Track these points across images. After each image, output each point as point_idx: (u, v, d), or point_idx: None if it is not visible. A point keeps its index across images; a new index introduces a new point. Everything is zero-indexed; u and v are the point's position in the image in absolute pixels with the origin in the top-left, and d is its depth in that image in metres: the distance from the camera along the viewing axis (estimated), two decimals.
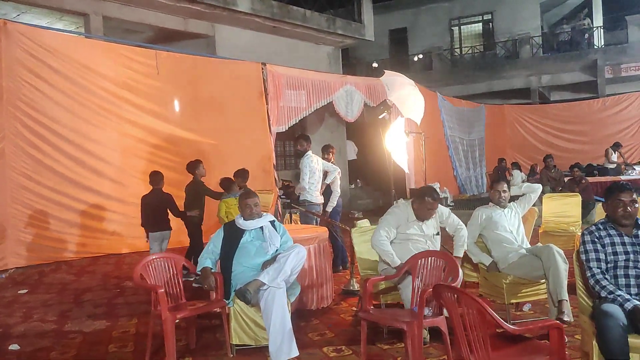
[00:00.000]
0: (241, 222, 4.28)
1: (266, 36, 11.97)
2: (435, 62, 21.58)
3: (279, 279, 3.82)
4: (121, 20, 9.97)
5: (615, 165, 13.46)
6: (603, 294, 2.97)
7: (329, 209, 6.65)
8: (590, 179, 10.38)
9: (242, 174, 7.03)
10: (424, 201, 4.28)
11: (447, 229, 4.51)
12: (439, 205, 4.44)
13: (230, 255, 4.16)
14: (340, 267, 6.62)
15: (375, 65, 18.96)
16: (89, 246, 7.64)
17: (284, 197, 6.35)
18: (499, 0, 20.91)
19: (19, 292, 6.16)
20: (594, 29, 20.23)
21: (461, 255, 4.29)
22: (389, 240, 4.32)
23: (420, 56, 21.38)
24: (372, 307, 3.61)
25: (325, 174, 6.81)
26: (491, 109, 17.85)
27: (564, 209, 7.24)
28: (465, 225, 4.58)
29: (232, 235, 4.25)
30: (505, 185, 4.71)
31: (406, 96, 6.32)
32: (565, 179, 10.60)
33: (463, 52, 22.04)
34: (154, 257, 4.14)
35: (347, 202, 14.37)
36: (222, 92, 9.20)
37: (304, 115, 10.67)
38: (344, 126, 14.10)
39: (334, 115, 11.65)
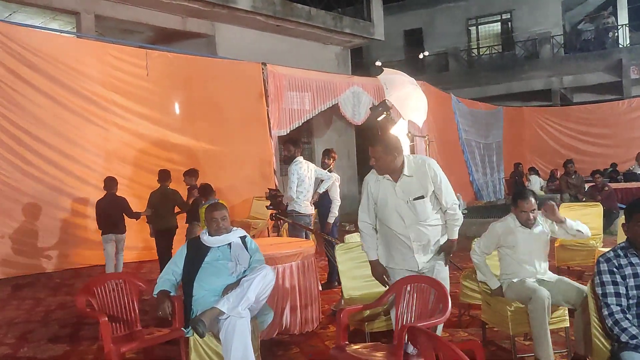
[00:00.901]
0: (205, 239, 3.74)
1: (269, 35, 11.49)
2: (452, 63, 20.91)
3: (240, 307, 3.28)
4: (116, 20, 9.58)
5: None
6: (624, 338, 2.37)
7: (331, 219, 6.09)
8: (613, 185, 9.65)
9: (191, 173, 6.91)
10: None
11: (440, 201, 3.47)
12: (431, 164, 3.49)
13: (192, 276, 3.60)
14: (336, 283, 6.05)
15: (378, 63, 18.32)
16: (71, 257, 7.21)
17: (271, 207, 5.79)
18: None
19: None
20: (619, 27, 19.35)
21: (456, 236, 3.47)
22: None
23: (426, 53, 20.70)
24: (346, 342, 3.04)
25: (320, 182, 6.24)
26: (510, 112, 17.15)
27: (584, 220, 6.45)
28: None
29: (196, 253, 3.70)
30: (533, 200, 3.80)
31: (407, 96, 5.75)
32: (587, 186, 9.88)
33: (480, 53, 21.31)
34: (103, 278, 3.63)
35: (356, 209, 13.81)
36: (218, 93, 8.75)
37: (308, 118, 10.17)
38: (353, 129, 13.53)
39: (342, 118, 11.11)
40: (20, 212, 6.77)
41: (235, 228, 3.88)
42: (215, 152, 8.74)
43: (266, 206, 6.11)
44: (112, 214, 6.35)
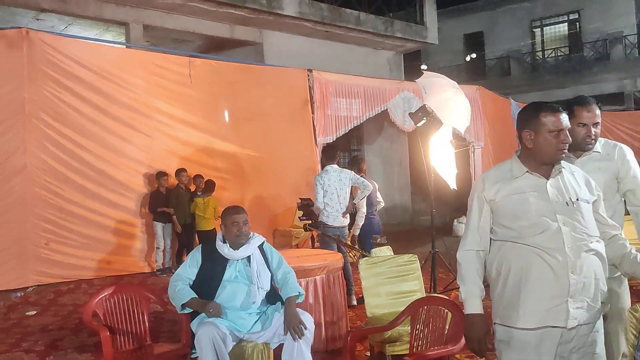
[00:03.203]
0: (226, 251, 3.39)
1: (318, 42, 11.34)
2: (514, 67, 20.05)
3: None
4: (165, 29, 9.73)
5: None
6: None
7: (356, 232, 5.80)
8: None
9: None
10: (539, 122, 2.23)
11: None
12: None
13: (209, 294, 3.31)
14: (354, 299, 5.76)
15: (424, 67, 17.75)
16: (113, 264, 7.28)
17: (304, 217, 5.58)
18: None
19: (27, 313, 5.84)
20: None
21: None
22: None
23: (473, 56, 19.93)
24: None
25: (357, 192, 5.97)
26: None
27: None
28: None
29: (213, 267, 3.38)
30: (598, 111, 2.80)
31: (447, 101, 5.39)
32: None
33: (545, 56, 20.30)
34: (111, 291, 3.53)
35: (408, 219, 13.40)
36: (263, 100, 8.66)
37: (355, 125, 9.91)
38: (406, 136, 13.14)
39: (394, 124, 10.78)
40: (64, 219, 6.89)
41: (253, 234, 3.54)
42: (260, 160, 8.64)
43: (299, 217, 5.91)
44: None
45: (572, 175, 2.31)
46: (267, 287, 3.42)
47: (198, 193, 7.69)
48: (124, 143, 7.42)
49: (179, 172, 7.62)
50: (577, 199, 2.22)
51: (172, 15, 9.47)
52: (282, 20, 10.31)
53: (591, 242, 2.16)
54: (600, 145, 2.85)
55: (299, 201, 5.75)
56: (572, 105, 2.81)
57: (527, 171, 2.24)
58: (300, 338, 3.11)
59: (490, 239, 2.31)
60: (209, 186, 7.69)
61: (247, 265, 3.42)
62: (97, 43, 7.85)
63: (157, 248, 7.49)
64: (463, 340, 2.49)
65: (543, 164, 2.24)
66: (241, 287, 3.35)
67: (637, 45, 18.35)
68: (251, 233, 3.52)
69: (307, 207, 5.50)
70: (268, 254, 3.54)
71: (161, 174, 7.48)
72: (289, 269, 3.54)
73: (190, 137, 7.99)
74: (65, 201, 6.91)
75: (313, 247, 6.39)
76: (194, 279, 3.39)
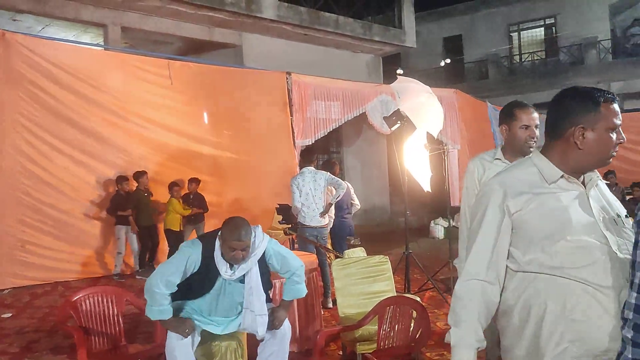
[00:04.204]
0: (224, 272, 3.04)
1: (297, 45, 11.42)
2: (492, 70, 20.35)
3: None
4: (143, 32, 9.72)
5: None
6: None
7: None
8: None
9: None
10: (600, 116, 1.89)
11: None
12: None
13: (193, 297, 3.15)
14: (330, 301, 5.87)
15: (399, 72, 17.95)
16: (90, 266, 7.29)
17: (283, 222, 5.67)
18: (563, 3, 19.43)
19: (2, 315, 5.82)
20: None
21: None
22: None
23: (448, 61, 20.23)
24: None
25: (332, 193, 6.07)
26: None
27: None
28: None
29: (206, 276, 3.09)
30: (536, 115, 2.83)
31: (420, 105, 5.52)
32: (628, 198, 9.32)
33: (522, 59, 20.66)
34: (88, 292, 3.58)
35: (387, 220, 13.54)
36: (243, 103, 8.71)
37: (334, 127, 10.01)
38: (385, 139, 13.28)
39: (373, 127, 10.90)
40: (40, 222, 6.88)
41: (254, 237, 3.13)
42: (239, 162, 8.70)
43: (278, 221, 6.01)
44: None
45: (602, 184, 1.86)
46: (263, 313, 3.10)
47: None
48: (102, 145, 7.41)
49: (140, 175, 7.53)
50: (626, 215, 1.76)
51: (151, 18, 9.48)
52: (261, 23, 10.37)
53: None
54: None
55: (277, 206, 5.84)
56: (511, 109, 2.81)
57: (562, 176, 1.74)
58: (277, 329, 3.15)
59: (507, 268, 1.75)
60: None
61: (242, 281, 3.14)
62: (75, 45, 7.84)
63: (118, 253, 7.37)
64: (425, 341, 2.59)
65: (591, 166, 1.76)
66: (227, 302, 3.15)
67: (610, 50, 18.77)
68: (253, 234, 3.11)
69: (286, 212, 5.59)
70: (269, 261, 3.23)
71: (122, 178, 7.38)
72: (296, 266, 3.30)
73: (169, 139, 8.01)
74: (42, 203, 6.90)
75: (292, 249, 6.47)
76: (176, 281, 3.04)
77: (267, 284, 3.27)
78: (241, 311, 3.17)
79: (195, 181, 7.79)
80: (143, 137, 7.75)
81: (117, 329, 3.60)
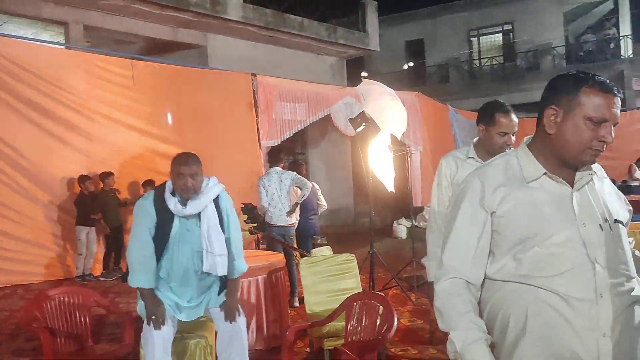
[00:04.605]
0: (173, 206, 2.92)
1: (263, 46, 11.46)
2: (453, 74, 20.82)
3: None
4: (107, 30, 9.58)
5: (639, 182, 12.47)
6: None
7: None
8: None
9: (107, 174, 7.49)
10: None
11: None
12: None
13: (158, 250, 2.99)
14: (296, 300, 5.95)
15: (364, 74, 18.26)
16: (52, 268, 7.15)
17: (249, 221, 5.70)
18: (520, 10, 20.05)
19: None
20: (621, 38, 19.20)
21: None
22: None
23: (410, 64, 20.68)
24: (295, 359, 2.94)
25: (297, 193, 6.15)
26: None
27: None
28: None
29: (163, 223, 2.96)
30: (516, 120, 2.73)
31: (384, 107, 5.65)
32: None
33: (482, 64, 21.21)
34: (54, 292, 3.55)
35: (351, 221, 13.69)
36: (207, 104, 8.69)
37: (299, 129, 10.09)
38: (349, 140, 13.44)
39: (338, 129, 11.03)
40: (2, 222, 6.72)
41: (207, 182, 3.09)
42: (204, 163, 8.49)
43: (244, 220, 6.03)
44: None
45: (602, 182, 1.67)
46: (222, 252, 3.00)
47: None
48: (64, 145, 7.28)
49: (106, 175, 7.43)
50: (615, 220, 1.58)
51: (114, 17, 9.35)
52: (226, 24, 10.36)
53: (632, 287, 1.52)
54: None
55: (242, 206, 5.87)
56: (492, 112, 2.66)
57: (545, 173, 1.57)
58: (233, 321, 3.09)
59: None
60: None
61: (198, 224, 3.00)
62: (35, 43, 7.67)
63: (79, 254, 7.24)
64: (393, 330, 2.70)
65: (563, 157, 1.56)
66: (187, 249, 2.99)
67: (564, 57, 19.47)
68: (206, 180, 3.08)
69: (251, 211, 5.62)
70: (224, 212, 3.12)
71: (84, 177, 7.26)
72: (239, 237, 3.24)
73: (132, 139, 7.92)
74: (1, 205, 6.73)
75: (258, 248, 6.53)
76: (149, 239, 2.99)
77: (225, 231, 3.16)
78: (205, 292, 3.17)
79: (150, 184, 7.60)
80: (106, 137, 7.64)
81: (84, 329, 3.58)
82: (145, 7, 9.27)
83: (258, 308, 4.38)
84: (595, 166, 1.65)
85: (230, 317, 3.09)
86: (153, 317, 2.95)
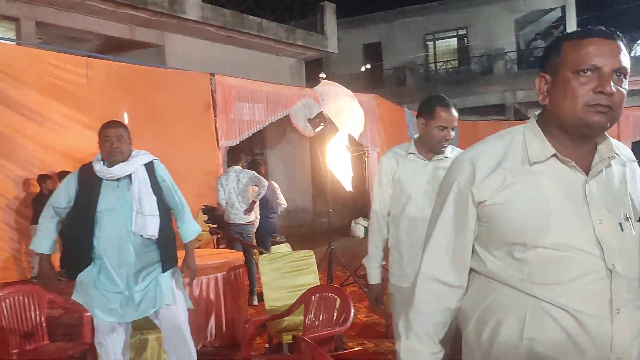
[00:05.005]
0: (98, 168, 2.89)
1: (221, 46, 11.43)
2: (409, 77, 21.23)
3: None
4: (60, 27, 9.37)
5: None
6: None
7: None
8: None
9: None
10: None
11: None
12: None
13: (87, 221, 2.85)
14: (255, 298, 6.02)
15: (322, 75, 18.48)
16: (7, 271, 6.96)
17: (209, 221, 5.74)
18: (474, 16, 20.64)
19: None
20: None
21: None
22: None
23: (368, 66, 21.05)
24: (252, 354, 3.01)
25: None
26: (464, 125, 17.39)
27: None
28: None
29: (89, 192, 2.88)
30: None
31: (342, 108, 5.78)
32: None
33: (437, 68, 21.72)
34: (8, 291, 3.50)
35: (309, 221, 13.79)
36: (164, 103, 8.60)
37: (258, 129, 10.12)
38: (308, 141, 13.55)
39: (297, 130, 11.11)
40: None
41: (139, 151, 3.09)
42: (161, 163, 8.59)
43: (204, 221, 6.06)
44: None
45: (629, 168, 1.37)
46: (153, 213, 2.90)
47: None
48: (15, 144, 7.10)
49: (64, 174, 7.27)
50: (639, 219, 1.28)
51: (69, 13, 9.16)
52: (184, 24, 10.29)
53: None
54: (449, 150, 2.67)
55: (203, 206, 5.91)
56: (433, 105, 2.58)
57: (554, 154, 1.29)
58: (192, 282, 3.12)
59: (471, 269, 1.39)
60: None
61: (129, 189, 2.94)
62: None
63: (35, 254, 7.13)
64: (349, 322, 2.80)
65: (564, 129, 1.30)
66: (119, 217, 2.86)
67: (516, 61, 20.14)
68: (136, 151, 3.08)
69: (211, 212, 5.67)
70: (160, 178, 3.10)
71: (45, 177, 7.14)
72: (183, 201, 3.18)
73: (85, 139, 7.73)
74: None
75: (218, 247, 6.56)
76: (63, 207, 2.99)
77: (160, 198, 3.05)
78: (148, 276, 2.99)
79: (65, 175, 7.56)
80: (60, 136, 7.47)
81: (39, 328, 3.54)
82: (101, 5, 9.12)
83: (217, 305, 4.42)
84: (621, 147, 1.39)
85: (191, 275, 3.10)
86: (46, 281, 2.98)
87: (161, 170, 3.09)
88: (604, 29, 1.27)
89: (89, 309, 2.97)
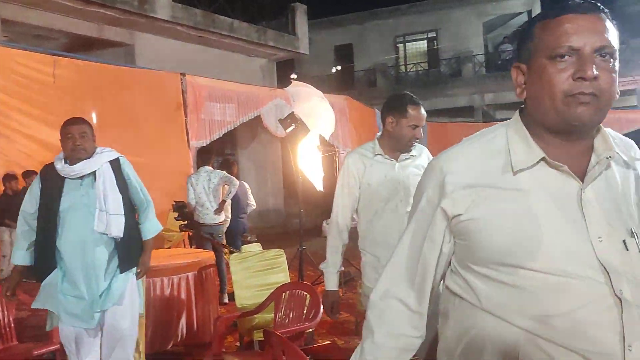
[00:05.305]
0: (60, 166, 2.81)
1: (192, 46, 11.38)
2: (380, 79, 21.45)
3: None
4: (27, 25, 9.21)
5: None
6: None
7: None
8: None
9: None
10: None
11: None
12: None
13: (50, 222, 2.77)
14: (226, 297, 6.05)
15: (294, 76, 18.60)
16: None
17: (179, 218, 5.74)
18: (443, 19, 20.97)
19: None
20: None
21: None
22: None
23: (339, 68, 21.25)
24: (223, 350, 3.04)
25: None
26: (434, 127, 17.67)
27: None
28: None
29: (51, 192, 2.81)
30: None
31: (313, 109, 5.84)
32: None
33: (407, 70, 21.99)
34: None
35: (281, 222, 13.82)
36: (134, 103, 8.54)
37: (229, 129, 10.11)
38: (279, 141, 13.58)
39: (268, 130, 11.14)
40: None
41: (103, 148, 2.99)
42: (131, 163, 8.51)
43: (174, 217, 6.05)
44: None
45: (627, 171, 1.13)
46: (118, 212, 2.81)
47: None
48: None
49: (29, 174, 7.13)
50: None
51: (35, 10, 9.00)
52: (154, 23, 10.22)
53: None
54: (416, 149, 2.65)
55: (174, 203, 5.90)
56: (404, 103, 2.53)
57: (543, 158, 1.09)
58: (140, 277, 2.98)
59: (447, 289, 1.22)
60: None
61: (93, 187, 2.83)
62: None
63: (3, 256, 7.01)
64: (319, 318, 2.86)
65: (556, 128, 1.09)
66: (82, 216, 2.77)
67: (484, 64, 20.54)
68: (100, 148, 2.97)
69: (182, 209, 5.66)
70: (126, 175, 3.01)
71: (10, 177, 7.01)
72: (148, 198, 3.12)
73: (51, 138, 7.63)
74: None
75: (191, 246, 6.56)
76: (31, 212, 2.90)
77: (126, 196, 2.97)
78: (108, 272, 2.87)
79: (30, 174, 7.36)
80: (25, 136, 7.36)
81: (8, 329, 3.50)
82: (69, 2, 8.99)
83: (188, 304, 4.42)
84: (624, 142, 1.16)
85: (142, 272, 2.99)
86: (8, 291, 2.89)
87: (127, 168, 3.01)
88: (581, 1, 1.07)
89: (56, 312, 2.88)
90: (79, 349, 2.90)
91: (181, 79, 9.06)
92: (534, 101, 1.10)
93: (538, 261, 1.02)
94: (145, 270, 3.02)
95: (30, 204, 2.90)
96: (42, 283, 2.85)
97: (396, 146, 2.55)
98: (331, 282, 2.66)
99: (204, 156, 6.14)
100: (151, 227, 3.06)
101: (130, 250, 2.93)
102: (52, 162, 2.90)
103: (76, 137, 2.79)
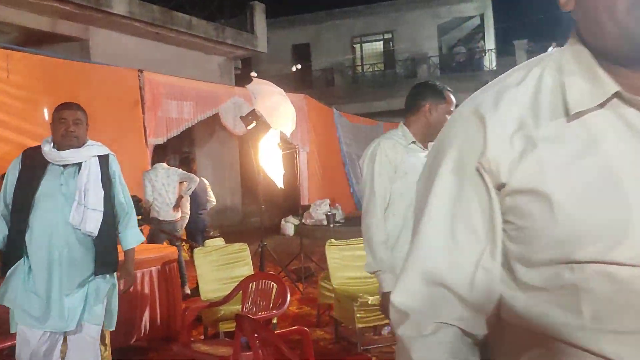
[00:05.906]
0: (46, 149, 2.68)
1: (149, 43, 11.25)
2: (337, 79, 21.67)
3: None
4: None
5: None
6: None
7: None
8: None
9: None
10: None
11: None
12: None
13: (23, 207, 2.64)
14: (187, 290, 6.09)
15: (254, 74, 18.65)
16: None
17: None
18: (399, 21, 21.37)
19: None
20: (486, 51, 21.14)
21: None
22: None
23: (299, 67, 21.42)
24: (191, 339, 3.10)
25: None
26: (390, 127, 17.98)
27: None
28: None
29: (31, 173, 2.68)
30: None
31: (274, 106, 5.92)
32: None
33: (364, 70, 22.30)
34: None
35: (239, 220, 13.81)
36: (90, 100, 8.31)
37: (187, 127, 10.06)
38: (237, 140, 13.57)
39: (226, 128, 11.13)
40: None
41: (93, 142, 2.89)
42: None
43: None
44: None
45: None
46: (97, 207, 2.67)
47: None
48: None
49: None
50: None
51: None
52: (110, 19, 10.06)
53: None
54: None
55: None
56: (441, 89, 2.45)
57: (617, 92, 0.72)
58: (127, 291, 2.88)
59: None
60: None
61: (74, 177, 2.72)
62: None
63: None
64: (286, 306, 2.96)
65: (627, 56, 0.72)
66: (56, 205, 2.63)
67: (439, 66, 21.04)
68: (91, 140, 2.88)
69: (136, 204, 5.64)
70: (113, 174, 2.87)
71: None
72: (131, 204, 2.98)
73: (6, 133, 7.47)
74: None
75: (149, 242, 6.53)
76: (11, 196, 2.71)
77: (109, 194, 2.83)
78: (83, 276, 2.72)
79: None
80: None
81: None
82: None
83: (152, 299, 4.44)
84: None
85: (128, 282, 2.88)
86: None
87: (116, 167, 2.89)
88: None
89: (12, 307, 2.71)
90: (32, 356, 2.66)
91: (139, 76, 8.96)
92: (585, 19, 0.75)
93: (623, 248, 0.67)
94: (130, 282, 2.88)
95: (10, 187, 2.71)
96: (7, 274, 2.68)
97: (431, 134, 2.34)
98: (391, 282, 2.19)
99: (160, 152, 6.14)
100: (133, 236, 2.94)
101: (105, 252, 2.75)
102: (38, 145, 2.77)
103: (70, 123, 2.69)
